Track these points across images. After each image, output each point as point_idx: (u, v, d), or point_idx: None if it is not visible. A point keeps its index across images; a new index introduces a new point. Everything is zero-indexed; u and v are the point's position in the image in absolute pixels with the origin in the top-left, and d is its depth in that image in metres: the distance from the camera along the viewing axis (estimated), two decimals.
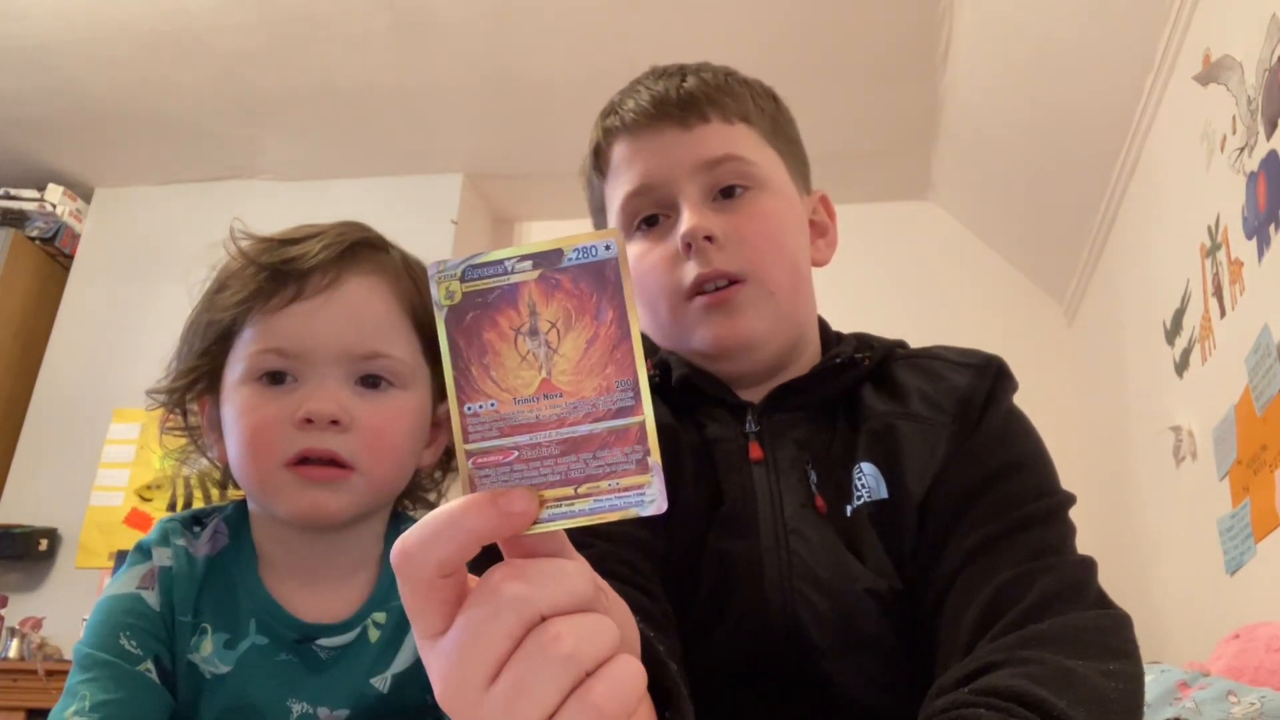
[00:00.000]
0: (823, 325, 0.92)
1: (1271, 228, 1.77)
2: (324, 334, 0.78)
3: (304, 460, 0.76)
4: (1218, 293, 2.06)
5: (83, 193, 3.90)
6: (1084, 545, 0.73)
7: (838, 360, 0.83)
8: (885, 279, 3.52)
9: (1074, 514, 0.75)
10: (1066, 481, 0.77)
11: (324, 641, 0.79)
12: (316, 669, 0.79)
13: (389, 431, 0.79)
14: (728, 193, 0.82)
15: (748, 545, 0.75)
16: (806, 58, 3.04)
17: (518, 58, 3.12)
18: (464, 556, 0.39)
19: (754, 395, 0.83)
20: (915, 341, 0.91)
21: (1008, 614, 0.66)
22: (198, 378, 0.82)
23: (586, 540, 0.62)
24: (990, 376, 0.81)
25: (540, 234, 4.08)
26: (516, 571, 0.39)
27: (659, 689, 0.49)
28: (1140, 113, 2.51)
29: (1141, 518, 2.70)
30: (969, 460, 0.76)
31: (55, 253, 3.80)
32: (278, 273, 0.79)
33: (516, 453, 0.40)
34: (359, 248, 0.82)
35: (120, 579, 0.79)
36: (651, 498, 0.39)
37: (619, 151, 0.85)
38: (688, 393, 0.82)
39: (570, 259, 0.39)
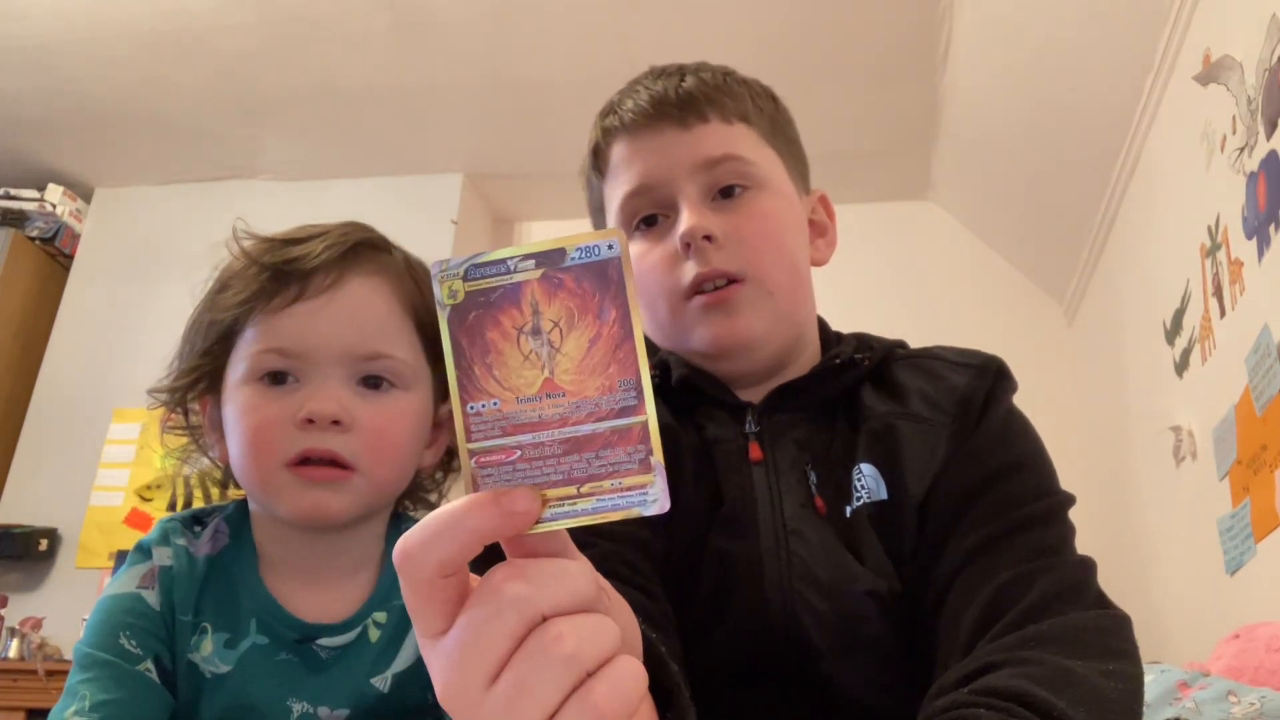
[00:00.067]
0: (822, 325, 0.92)
1: (1271, 228, 1.77)
2: (326, 334, 0.78)
3: (305, 460, 0.76)
4: (1218, 293, 2.06)
5: (83, 193, 3.91)
6: (1084, 545, 0.73)
7: (837, 361, 0.83)
8: (885, 279, 3.52)
9: (1074, 514, 0.75)
10: (1066, 481, 0.77)
11: (324, 641, 0.79)
12: (317, 669, 0.79)
13: (390, 432, 0.79)
14: (727, 192, 0.82)
15: (748, 546, 0.75)
16: (806, 58, 3.05)
17: (518, 58, 3.12)
18: (466, 556, 0.39)
19: (754, 395, 0.83)
20: (915, 341, 0.91)
21: (1007, 614, 0.66)
22: (199, 377, 0.82)
23: (588, 540, 0.63)
24: (990, 377, 0.81)
25: (540, 234, 4.08)
26: (518, 571, 0.39)
27: (660, 689, 0.49)
28: (1140, 113, 2.51)
29: (1141, 518, 2.70)
30: (969, 461, 0.76)
31: (55, 253, 3.80)
32: (280, 273, 0.79)
33: (519, 452, 0.40)
34: (361, 248, 0.82)
35: (120, 578, 0.79)
36: (654, 497, 0.39)
37: (618, 151, 0.85)
38: (687, 393, 0.83)
39: (573, 258, 0.39)
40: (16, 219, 3.69)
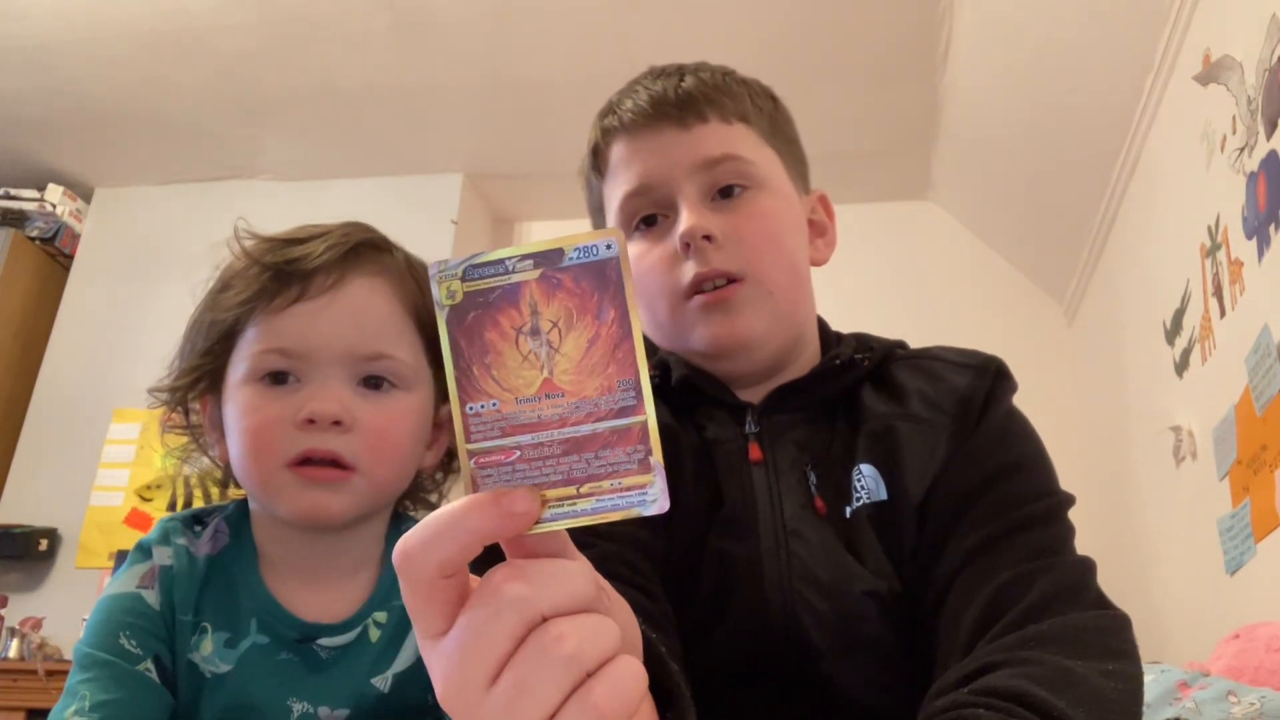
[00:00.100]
0: (822, 325, 0.91)
1: (1271, 228, 1.77)
2: (327, 334, 0.78)
3: (306, 461, 0.76)
4: (1218, 293, 2.06)
5: (83, 193, 3.91)
6: (1084, 545, 0.73)
7: (837, 361, 0.83)
8: (885, 279, 3.52)
9: (1074, 514, 0.75)
10: (1066, 481, 0.77)
11: (325, 641, 0.79)
12: (317, 668, 0.79)
13: (391, 432, 0.79)
14: (726, 192, 0.82)
15: (748, 546, 0.75)
16: (806, 58, 3.05)
17: (518, 58, 3.12)
18: (466, 557, 0.39)
19: (753, 396, 0.83)
20: (915, 341, 0.91)
21: (1007, 614, 0.66)
22: (200, 377, 0.82)
23: (588, 540, 0.63)
24: (990, 377, 0.81)
25: (540, 234, 4.08)
26: (518, 572, 0.39)
27: (660, 689, 0.49)
28: (1140, 113, 2.51)
29: (1141, 518, 2.70)
30: (968, 461, 0.76)
31: (55, 253, 3.80)
32: (281, 273, 0.79)
33: (519, 452, 0.40)
34: (363, 248, 0.82)
35: (120, 578, 0.79)
36: (654, 497, 0.39)
37: (617, 152, 0.85)
38: (687, 393, 0.83)
39: (571, 258, 0.39)
40: (16, 219, 3.69)
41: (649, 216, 0.84)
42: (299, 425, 0.76)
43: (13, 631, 3.03)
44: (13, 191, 3.74)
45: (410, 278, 0.83)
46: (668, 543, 0.75)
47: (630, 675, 0.39)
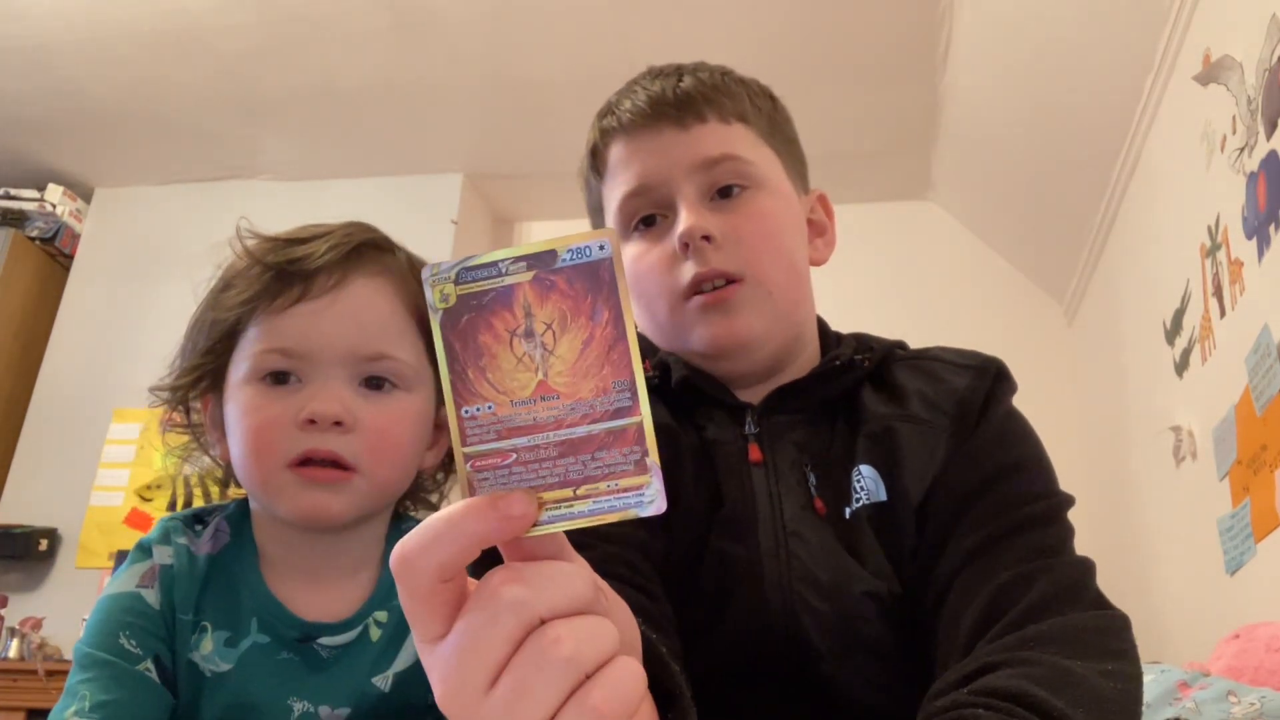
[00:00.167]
0: (822, 325, 0.91)
1: (1271, 228, 1.77)
2: (329, 335, 0.78)
3: (307, 461, 0.76)
4: (1218, 293, 2.06)
5: (83, 193, 3.90)
6: (1084, 545, 0.73)
7: (837, 362, 0.83)
8: (885, 279, 3.52)
9: (1074, 514, 0.75)
10: (1066, 482, 0.77)
11: (325, 640, 0.79)
12: (318, 668, 0.79)
13: (392, 433, 0.79)
14: (725, 192, 0.82)
15: (747, 548, 0.75)
16: (806, 58, 3.04)
17: (518, 58, 3.12)
18: (464, 560, 0.39)
19: (753, 396, 0.83)
20: (915, 342, 0.91)
21: (1007, 615, 0.66)
22: (201, 376, 0.82)
23: (587, 542, 0.62)
24: (989, 378, 0.81)
25: (540, 234, 4.07)
26: (515, 575, 0.39)
27: (661, 690, 0.49)
28: (1140, 113, 2.51)
29: (1141, 518, 2.70)
30: (968, 462, 0.76)
31: (55, 253, 3.80)
32: (283, 272, 0.79)
33: (515, 455, 0.40)
34: (365, 249, 0.82)
35: (120, 577, 0.79)
36: (651, 498, 0.39)
37: (616, 152, 0.85)
38: (687, 394, 0.82)
39: (564, 260, 0.39)
40: (16, 219, 3.69)
41: (648, 217, 0.84)
42: (300, 425, 0.76)
43: (13, 631, 3.03)
44: (13, 191, 3.74)
45: (412, 278, 0.83)
46: (668, 543, 0.75)
47: (629, 676, 0.39)
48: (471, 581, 0.40)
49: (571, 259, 0.39)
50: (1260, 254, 1.82)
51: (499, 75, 3.20)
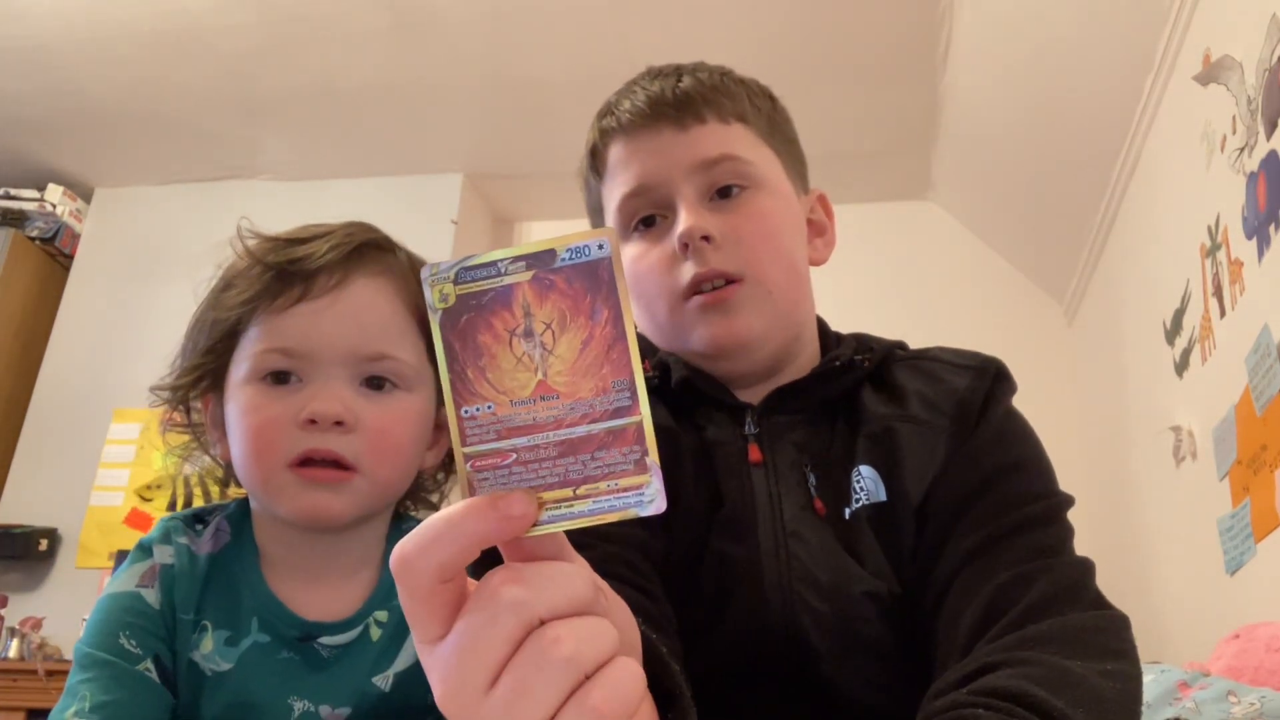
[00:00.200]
0: (822, 326, 0.91)
1: (1271, 228, 1.77)
2: (330, 335, 0.78)
3: (307, 461, 0.76)
4: (1218, 293, 2.06)
5: (83, 193, 3.91)
6: (1084, 545, 0.73)
7: (837, 363, 0.83)
8: (885, 279, 3.52)
9: (1074, 514, 0.75)
10: (1066, 482, 0.77)
11: (326, 640, 0.79)
12: (318, 667, 0.79)
13: (393, 433, 0.79)
14: (725, 193, 0.82)
15: (747, 548, 0.75)
16: (806, 58, 3.04)
17: (518, 58, 3.12)
18: (464, 561, 0.39)
19: (753, 396, 0.83)
20: (915, 342, 0.91)
21: (1006, 615, 0.66)
22: (202, 375, 0.82)
23: (587, 542, 0.63)
24: (989, 379, 0.81)
25: (540, 234, 4.07)
26: (515, 575, 0.39)
27: (661, 690, 0.49)
28: (1140, 113, 2.51)
29: (1141, 518, 2.70)
30: (967, 462, 0.76)
31: (55, 253, 3.80)
32: (284, 272, 0.79)
33: (515, 455, 0.40)
34: (366, 249, 0.82)
35: (120, 577, 0.79)
36: (650, 497, 0.39)
37: (615, 153, 0.85)
38: (687, 394, 0.82)
39: (564, 259, 0.39)
40: (16, 219, 3.69)
41: (648, 217, 0.84)
42: (301, 425, 0.76)
43: (13, 631, 3.03)
44: (13, 191, 3.74)
45: (413, 278, 0.83)
46: (668, 543, 0.75)
47: (628, 676, 0.39)
48: (471, 582, 0.40)
49: (570, 258, 0.39)
50: (1260, 254, 1.82)
51: (499, 75, 3.20)
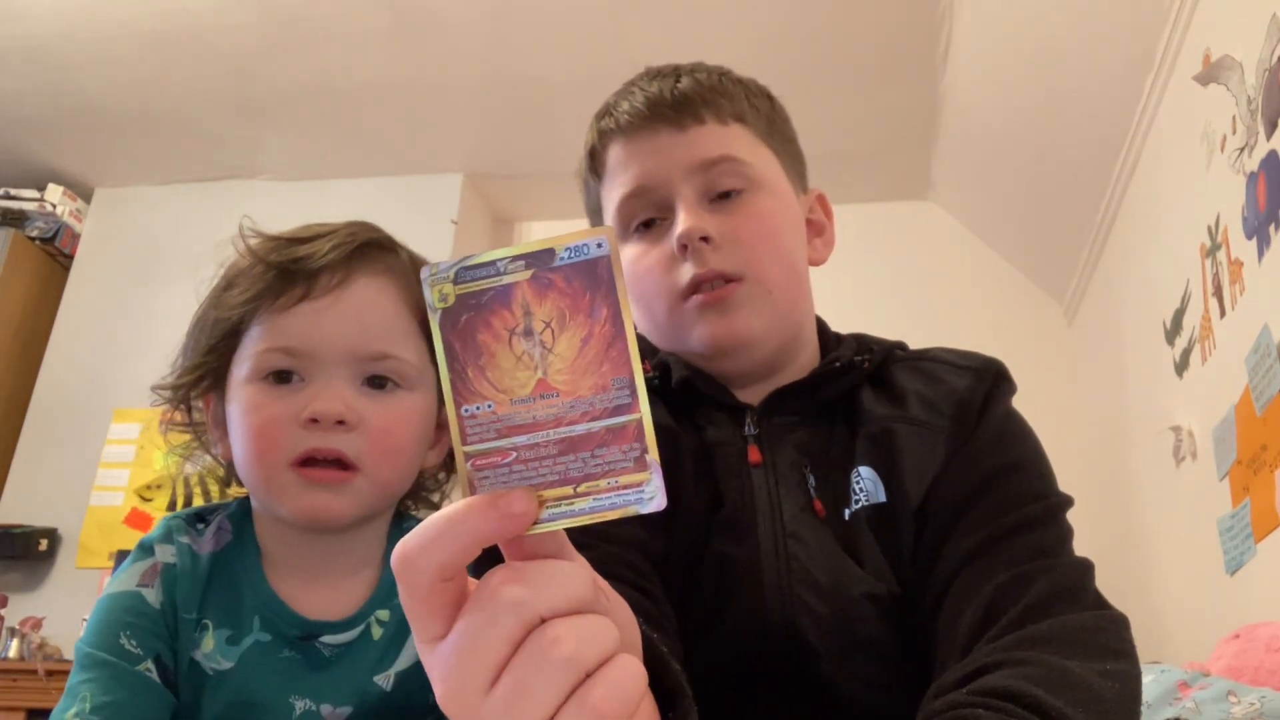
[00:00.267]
0: (822, 326, 0.91)
1: (1271, 228, 1.77)
2: (332, 334, 0.78)
3: (309, 460, 0.76)
4: (1218, 293, 2.06)
5: (83, 193, 3.91)
6: (1084, 545, 0.73)
7: (837, 364, 0.83)
8: (885, 279, 3.52)
9: (1073, 514, 0.75)
10: (1066, 482, 0.77)
11: (327, 639, 0.79)
12: (319, 666, 0.79)
13: (396, 432, 0.79)
14: (724, 194, 0.82)
15: (747, 549, 0.75)
16: (806, 58, 3.04)
17: (518, 58, 3.12)
18: (465, 559, 0.39)
19: (752, 396, 0.83)
20: (915, 342, 0.91)
21: (1005, 615, 0.66)
22: (204, 374, 0.82)
23: (588, 541, 0.62)
24: (989, 379, 0.81)
25: (540, 234, 4.07)
26: (515, 574, 0.39)
27: (662, 689, 0.49)
28: (1140, 113, 2.51)
29: (1141, 518, 2.70)
30: (967, 463, 0.76)
31: (55, 253, 3.80)
32: (286, 271, 0.79)
33: (515, 453, 0.40)
34: (368, 248, 0.82)
35: (121, 576, 0.79)
36: (651, 495, 0.39)
37: (614, 154, 0.85)
38: (687, 395, 0.82)
39: (562, 258, 0.39)
40: (16, 219, 3.69)
41: (647, 220, 0.84)
42: (303, 424, 0.76)
43: (13, 631, 3.03)
44: (13, 191, 3.74)
45: (415, 278, 0.83)
46: (668, 544, 0.75)
47: (629, 675, 0.39)
48: (472, 581, 0.40)
49: (569, 257, 0.39)
50: (1260, 254, 1.82)
51: (499, 75, 3.20)
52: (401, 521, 0.87)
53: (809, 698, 0.73)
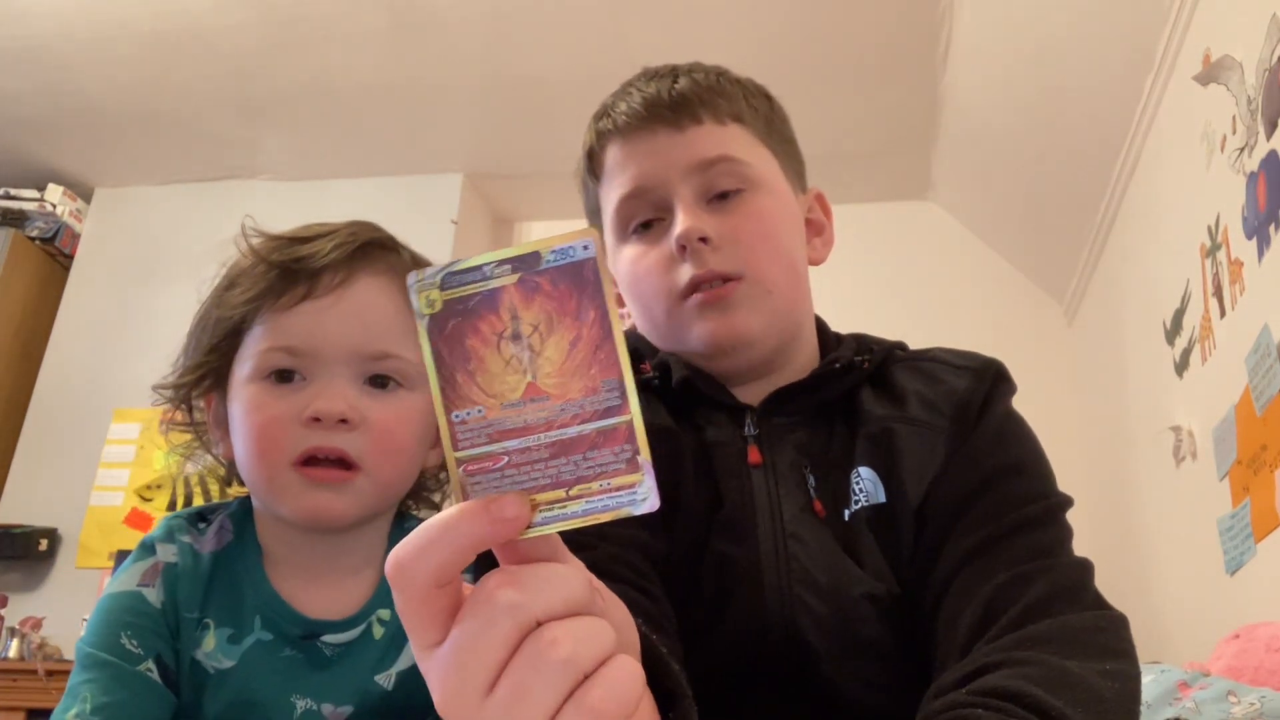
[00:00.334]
0: (821, 326, 0.91)
1: (1271, 228, 1.77)
2: (334, 333, 0.78)
3: (311, 460, 0.76)
4: (1218, 293, 2.06)
5: (83, 193, 3.91)
6: (1084, 545, 0.73)
7: (837, 364, 0.83)
8: (885, 279, 3.52)
9: (1073, 515, 0.75)
10: (1066, 482, 0.77)
11: (328, 638, 0.79)
12: (321, 665, 0.79)
13: (397, 432, 0.79)
14: (722, 194, 0.82)
15: (747, 549, 0.75)
16: (806, 58, 3.04)
17: (518, 57, 3.12)
18: (459, 565, 0.39)
19: (752, 396, 0.83)
20: (915, 342, 0.91)
21: (1005, 615, 0.66)
22: (205, 374, 0.82)
23: (587, 542, 0.63)
24: (989, 380, 0.81)
25: (540, 234, 4.07)
26: (510, 578, 0.39)
27: (662, 689, 0.49)
28: (1140, 113, 2.51)
29: (1141, 518, 2.70)
30: (966, 463, 0.76)
31: (55, 253, 3.80)
32: (288, 271, 0.79)
33: (506, 458, 0.40)
34: (370, 247, 0.82)
35: (121, 576, 0.79)
36: (643, 496, 0.39)
37: (612, 155, 0.85)
38: (687, 395, 0.82)
39: (548, 261, 0.39)
40: (16, 219, 3.69)
41: (646, 221, 0.84)
42: (305, 423, 0.76)
43: (13, 631, 3.03)
44: (13, 191, 3.74)
45: None
46: (668, 544, 0.75)
47: (627, 675, 0.39)
48: (467, 586, 0.40)
49: (555, 260, 0.39)
50: (1260, 254, 1.82)
51: (499, 75, 3.20)
52: (403, 521, 0.87)
53: (809, 698, 0.73)
